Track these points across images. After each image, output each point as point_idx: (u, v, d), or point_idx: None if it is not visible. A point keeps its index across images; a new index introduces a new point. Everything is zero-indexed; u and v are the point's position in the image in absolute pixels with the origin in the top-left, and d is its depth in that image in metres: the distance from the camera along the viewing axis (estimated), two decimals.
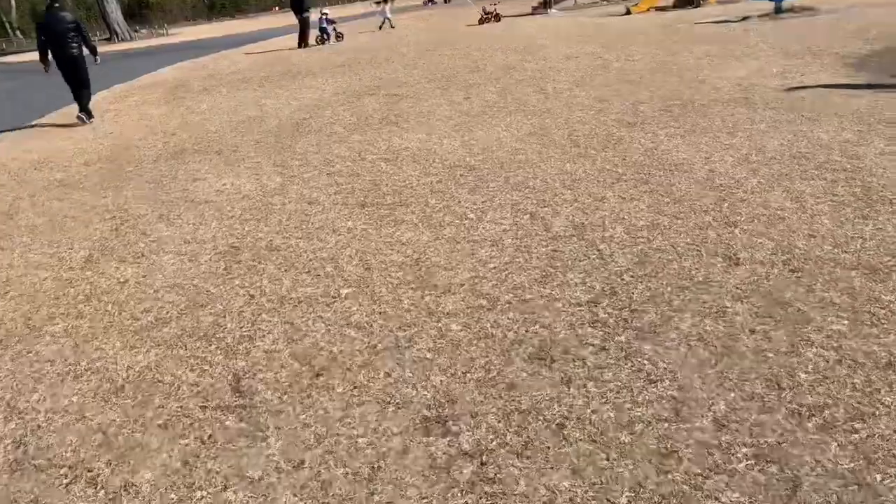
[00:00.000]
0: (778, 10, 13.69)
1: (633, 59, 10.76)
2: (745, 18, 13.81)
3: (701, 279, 3.59)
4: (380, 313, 3.68)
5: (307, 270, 4.35)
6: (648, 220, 4.41)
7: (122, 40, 40.72)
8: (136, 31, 42.53)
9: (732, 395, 2.66)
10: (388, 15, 25.09)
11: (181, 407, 3.06)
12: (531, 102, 8.52)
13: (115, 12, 41.43)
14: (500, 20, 22.29)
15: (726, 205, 4.51)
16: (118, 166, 7.81)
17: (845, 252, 3.68)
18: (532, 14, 23.51)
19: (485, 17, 22.39)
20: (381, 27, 23.77)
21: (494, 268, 4.04)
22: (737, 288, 3.45)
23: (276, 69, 15.83)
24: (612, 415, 2.63)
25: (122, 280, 4.56)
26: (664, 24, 15.04)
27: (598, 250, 4.08)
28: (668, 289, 3.52)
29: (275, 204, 5.81)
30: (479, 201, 5.21)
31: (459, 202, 5.26)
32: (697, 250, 3.92)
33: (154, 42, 39.12)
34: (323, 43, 21.20)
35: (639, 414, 2.62)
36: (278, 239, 4.98)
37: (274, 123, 9.41)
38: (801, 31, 11.31)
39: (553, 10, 23.27)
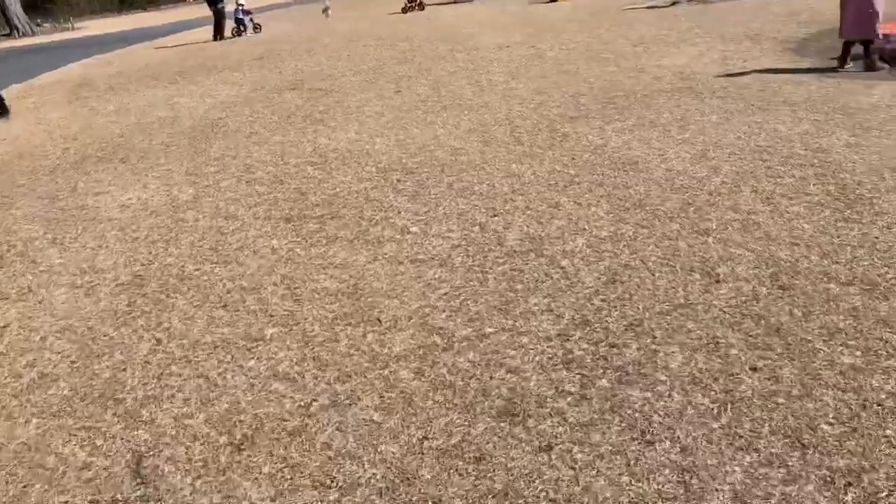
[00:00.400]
0: None
1: (566, 47, 10.35)
2: (673, 3, 13.60)
3: (681, 301, 3.13)
4: (313, 359, 3.09)
5: (224, 304, 3.72)
6: (611, 230, 3.95)
7: (24, 35, 38.24)
8: (38, 24, 40.00)
9: (748, 458, 2.20)
10: (328, 2, 24.04)
11: None
12: (466, 96, 8.00)
13: (14, 5, 38.85)
14: (423, 8, 21.66)
15: (692, 209, 4.09)
16: (8, 179, 6.92)
17: (836, 263, 3.29)
18: (455, 3, 22.96)
19: (408, 5, 21.72)
20: (324, 12, 22.76)
21: (446, 294, 3.50)
22: (724, 311, 3.01)
23: (189, 64, 14.84)
24: (608, 495, 2.13)
25: (1, 325, 3.83)
26: (592, 10, 14.73)
27: (561, 268, 3.59)
28: (647, 315, 3.06)
29: (187, 220, 5.12)
30: (421, 211, 4.66)
31: (399, 213, 4.70)
32: (671, 265, 3.47)
33: (58, 37, 36.89)
34: (240, 35, 20.16)
35: (641, 491, 2.13)
36: (190, 264, 4.31)
37: (187, 124, 8.61)
38: (732, 15, 11.12)
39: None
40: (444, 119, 7.08)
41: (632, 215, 4.12)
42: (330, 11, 23.65)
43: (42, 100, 12.12)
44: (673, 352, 2.78)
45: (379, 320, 3.34)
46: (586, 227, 4.04)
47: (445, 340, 3.09)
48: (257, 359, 3.16)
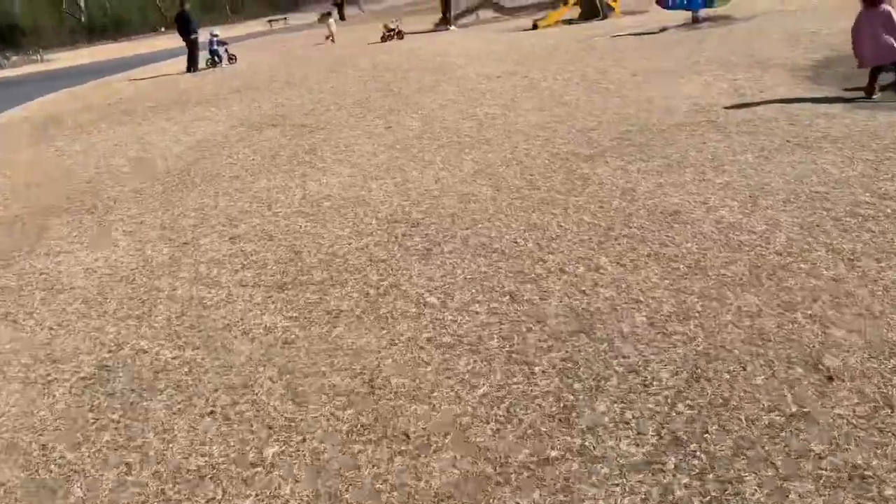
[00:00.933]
0: (696, 20, 13.10)
1: (560, 77, 9.77)
2: (663, 29, 13.14)
3: (793, 409, 2.46)
4: (328, 497, 2.36)
5: (211, 410, 2.98)
6: (673, 303, 3.28)
7: None
8: (6, 58, 39.00)
9: None
10: (333, 29, 23.39)
11: None
12: (464, 131, 7.35)
13: None
14: (402, 37, 21.12)
15: (764, 274, 3.43)
16: None
17: None
18: (434, 31, 22.48)
19: (387, 34, 21.16)
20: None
21: (486, 395, 2.79)
22: (853, 425, 2.34)
23: (163, 98, 14.08)
24: None
25: None
26: (578, 38, 14.23)
27: (625, 357, 2.90)
28: (755, 430, 2.38)
29: (162, 289, 4.37)
30: (436, 276, 3.96)
31: (411, 277, 4.00)
32: (762, 354, 2.80)
33: (28, 69, 35.89)
34: (214, 66, 19.44)
35: None
36: (168, 350, 3.57)
37: (161, 167, 7.86)
38: (728, 40, 10.64)
39: (453, 27, 22.27)
40: (443, 158, 6.41)
41: (693, 282, 3.45)
42: (334, 26, 22.90)
43: (4, 140, 11.28)
44: (808, 490, 2.10)
45: (407, 435, 2.62)
46: (641, 299, 3.36)
47: (499, 469, 2.38)
48: (257, 496, 2.42)
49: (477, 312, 3.48)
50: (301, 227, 5.14)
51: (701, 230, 4.03)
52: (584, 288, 3.56)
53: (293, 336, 3.53)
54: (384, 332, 3.43)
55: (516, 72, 10.79)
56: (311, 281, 4.16)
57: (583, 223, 4.39)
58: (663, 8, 13.31)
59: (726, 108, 6.70)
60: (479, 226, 4.62)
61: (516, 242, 4.25)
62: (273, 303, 3.95)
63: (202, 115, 11.01)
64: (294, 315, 3.76)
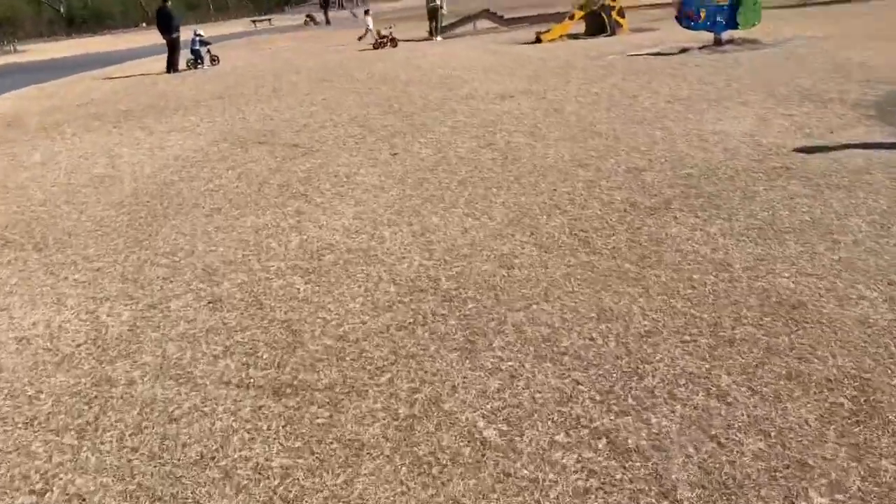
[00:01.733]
0: (718, 42, 12.18)
1: (584, 100, 8.76)
2: (683, 50, 12.20)
3: None
4: None
5: None
6: (862, 475, 2.23)
7: None
8: None
9: None
10: (370, 26, 21.64)
11: None
12: (486, 165, 6.29)
13: None
14: (396, 45, 20.09)
15: None
16: None
17: None
18: (428, 39, 21.44)
19: (380, 41, 20.11)
20: (364, 38, 20.61)
21: None
22: None
23: (139, 101, 12.88)
24: None
25: None
26: (591, 55, 13.26)
27: None
28: None
29: (116, 382, 3.25)
30: (490, 389, 2.89)
31: (454, 389, 2.92)
32: None
33: None
34: (195, 67, 18.25)
35: None
36: (115, 502, 2.45)
37: (129, 189, 6.72)
38: (766, 68, 9.70)
39: (438, 38, 21.19)
40: (467, 200, 5.34)
41: (870, 432, 2.41)
42: (371, 34, 21.37)
43: None
44: None
45: None
46: (809, 461, 2.31)
47: None
48: None
49: (564, 466, 2.41)
50: (299, 291, 4.04)
51: (848, 337, 3.00)
52: (714, 431, 2.50)
53: (297, 489, 2.43)
54: (430, 493, 2.35)
55: (531, 91, 9.76)
56: (317, 384, 3.06)
57: (676, 313, 3.34)
58: (684, 27, 12.35)
59: (797, 150, 5.71)
60: (534, 307, 3.55)
61: (592, 340, 3.19)
62: (267, 419, 2.84)
63: (180, 125, 9.85)
64: (297, 446, 2.66)
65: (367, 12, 23.10)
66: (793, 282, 3.52)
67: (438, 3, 21.00)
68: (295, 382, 3.09)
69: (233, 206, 5.83)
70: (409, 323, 3.52)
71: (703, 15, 12.06)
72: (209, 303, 4.00)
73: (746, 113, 7.18)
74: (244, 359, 3.34)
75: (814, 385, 2.70)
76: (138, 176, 7.19)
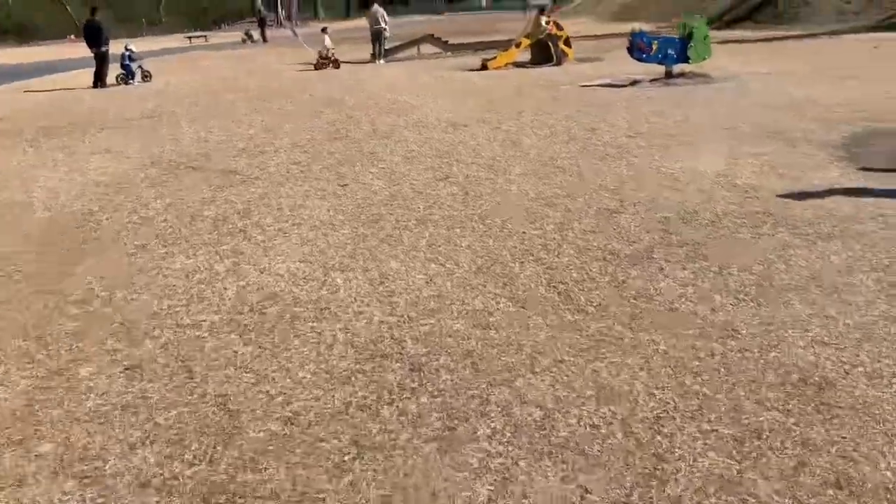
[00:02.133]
0: (669, 75, 12.05)
1: (540, 132, 8.37)
2: (634, 82, 12.02)
3: None
4: None
5: None
6: None
7: None
8: None
9: None
10: (328, 44, 20.42)
11: None
12: (445, 201, 5.77)
13: None
14: (339, 66, 19.51)
15: None
16: None
17: None
18: (371, 62, 20.93)
19: (322, 61, 19.47)
20: (317, 64, 19.47)
21: None
22: None
23: (61, 118, 11.92)
24: None
25: None
26: (540, 83, 12.97)
27: None
28: None
29: (3, 480, 2.55)
30: (480, 494, 2.33)
31: (434, 493, 2.35)
32: None
33: None
34: (126, 83, 17.25)
35: None
36: None
37: (42, 219, 5.94)
38: (722, 104, 9.52)
39: (381, 61, 20.71)
40: (429, 242, 4.80)
41: None
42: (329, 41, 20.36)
43: None
44: None
45: None
46: None
47: None
48: None
49: None
50: (237, 354, 3.40)
51: (894, 429, 2.55)
52: None
53: None
54: None
55: (485, 120, 9.33)
56: (260, 488, 2.45)
57: (687, 392, 2.85)
58: (635, 59, 12.19)
59: (778, 195, 5.38)
60: (520, 381, 3.02)
61: (594, 427, 2.67)
62: None
63: (105, 146, 9.03)
64: None
65: (324, 30, 22.48)
66: (811, 354, 3.09)
67: (382, 25, 20.54)
68: (232, 486, 2.46)
69: (160, 243, 5.13)
70: (373, 401, 2.94)
71: (654, 47, 11.93)
72: (126, 369, 3.32)
73: (713, 150, 6.88)
74: (168, 449, 2.69)
75: (869, 496, 2.23)
76: (53, 203, 6.40)
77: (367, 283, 4.17)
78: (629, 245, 4.53)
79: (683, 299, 3.70)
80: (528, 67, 16.82)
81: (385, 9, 21.34)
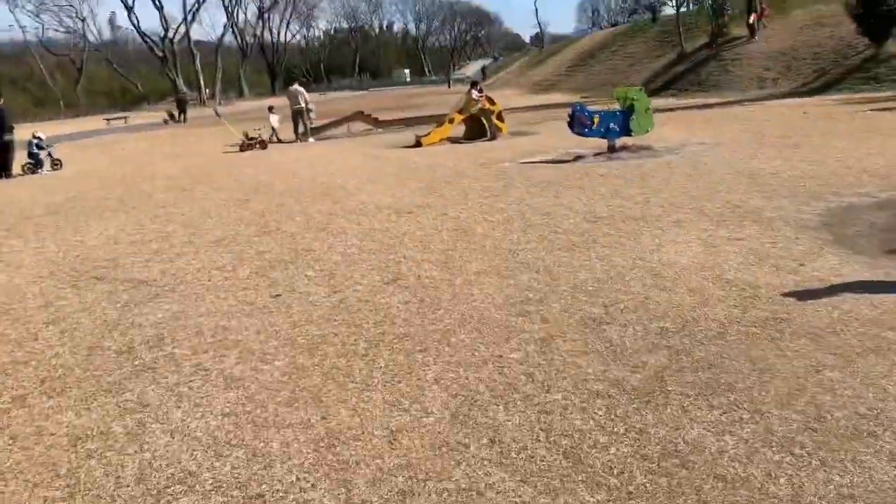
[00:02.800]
0: (612, 149, 11.61)
1: (492, 218, 7.62)
2: (578, 157, 11.53)
3: None
4: None
5: None
6: None
7: None
8: None
9: None
10: (275, 125, 20.32)
11: None
12: (398, 313, 4.87)
13: None
14: (265, 147, 18.64)
15: None
16: None
17: None
18: (298, 141, 20.16)
19: (247, 142, 18.57)
20: (270, 139, 18.56)
21: None
22: None
23: None
24: None
25: None
26: (479, 160, 12.36)
27: None
28: None
29: None
30: None
31: None
32: None
33: None
34: (33, 172, 15.90)
35: None
36: None
37: None
38: (677, 179, 9.01)
39: (311, 140, 20.04)
40: (386, 375, 3.87)
41: None
42: (276, 136, 19.99)
43: None
44: None
45: None
46: None
47: None
48: None
49: None
50: None
51: None
52: None
53: None
54: None
55: (429, 205, 8.54)
56: None
57: None
58: (575, 133, 11.73)
59: (783, 294, 4.67)
60: None
61: None
62: None
63: None
64: None
65: (270, 109, 21.79)
66: None
67: (302, 104, 19.88)
68: None
69: (44, 393, 4.02)
70: None
71: (595, 121, 11.50)
72: None
73: (686, 237, 6.22)
74: None
75: None
76: None
77: (311, 449, 3.18)
78: (633, 372, 3.70)
79: (727, 458, 2.85)
80: (462, 143, 16.35)
81: (308, 87, 20.85)
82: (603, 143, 11.89)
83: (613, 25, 71.82)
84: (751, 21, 25.66)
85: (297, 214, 8.66)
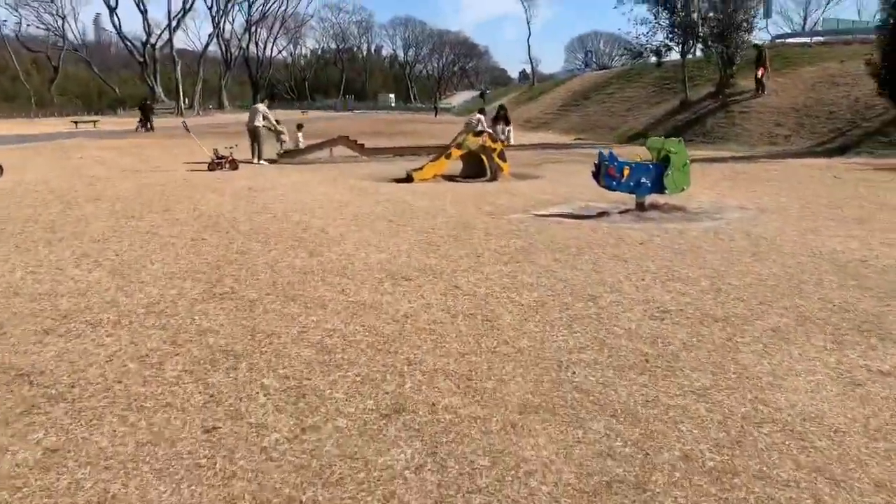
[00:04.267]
0: (641, 207, 9.83)
1: (520, 300, 5.75)
2: (602, 214, 9.74)
3: None
4: None
5: None
6: None
7: None
8: None
9: None
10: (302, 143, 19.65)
11: None
12: (402, 492, 2.90)
13: None
14: (237, 167, 16.65)
15: None
16: None
17: None
18: (275, 162, 18.18)
19: (216, 161, 16.55)
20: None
21: None
22: None
23: None
24: None
25: None
26: (485, 208, 10.51)
27: None
28: None
29: None
30: None
31: None
32: None
33: None
34: None
35: None
36: None
37: None
38: (738, 254, 7.20)
39: (263, 162, 18.16)
40: None
41: None
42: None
43: None
44: None
45: None
46: None
47: None
48: None
49: None
50: None
51: None
52: None
53: None
54: None
55: (433, 269, 6.64)
56: None
57: None
58: (601, 186, 9.94)
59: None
60: None
61: None
62: None
63: None
64: None
65: (300, 127, 20.43)
66: None
67: (258, 124, 18.18)
68: None
69: None
70: None
71: (626, 173, 9.71)
72: None
73: (807, 363, 4.37)
74: None
75: None
76: None
77: None
78: None
79: None
80: (458, 181, 14.56)
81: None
82: (625, 198, 10.13)
83: (602, 68, 71.30)
84: (759, 75, 24.35)
85: (261, 269, 6.68)
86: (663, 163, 9.80)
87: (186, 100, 66.29)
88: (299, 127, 21.35)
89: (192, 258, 7.10)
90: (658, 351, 4.57)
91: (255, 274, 6.51)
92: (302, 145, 19.91)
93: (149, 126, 36.14)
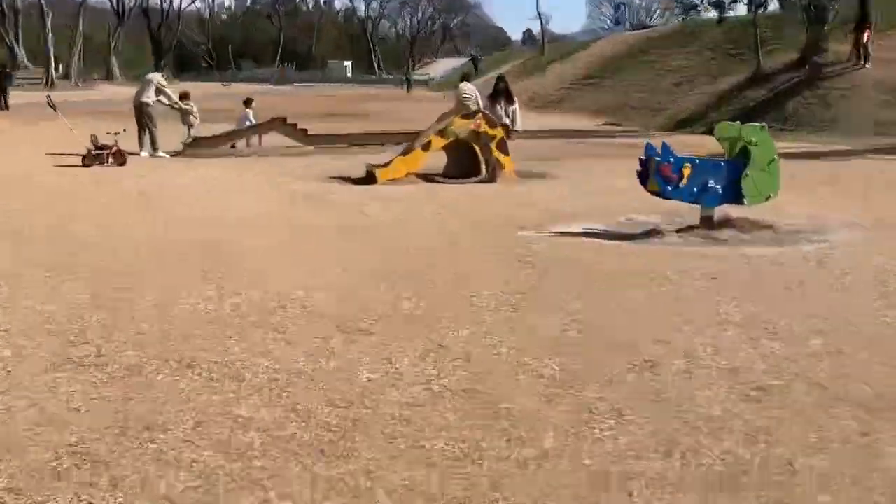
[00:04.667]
0: (708, 224, 9.41)
1: (540, 372, 5.25)
2: (652, 232, 9.33)
3: None
4: None
5: None
6: None
7: None
8: None
9: None
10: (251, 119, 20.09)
11: None
12: None
13: None
14: (124, 162, 16.16)
15: None
16: None
17: None
18: (141, 153, 17.82)
19: (94, 152, 16.00)
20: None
21: None
22: None
23: None
24: None
25: None
26: (477, 221, 10.16)
27: None
28: None
29: None
30: None
31: None
32: None
33: None
34: None
35: None
36: None
37: None
38: (856, 303, 6.78)
39: (160, 153, 17.85)
40: None
41: None
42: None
43: None
44: None
45: None
46: None
47: None
48: None
49: None
50: None
51: None
52: None
53: None
54: None
55: (403, 316, 6.21)
56: None
57: None
58: (651, 192, 9.56)
59: None
60: None
61: None
62: None
63: None
64: None
65: (247, 102, 20.35)
66: None
67: (148, 100, 17.98)
68: None
69: None
70: None
71: (686, 174, 9.29)
72: None
73: None
74: None
75: None
76: None
77: None
78: None
79: None
80: (440, 182, 14.20)
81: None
82: (685, 209, 9.74)
83: (639, 27, 71.89)
84: (865, 40, 24.37)
85: (146, 315, 6.18)
86: (740, 159, 9.40)
87: (60, 66, 65.87)
88: (247, 102, 20.94)
89: (45, 306, 6.51)
90: (761, 456, 4.05)
91: (137, 324, 5.99)
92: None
93: (2, 102, 35.70)
